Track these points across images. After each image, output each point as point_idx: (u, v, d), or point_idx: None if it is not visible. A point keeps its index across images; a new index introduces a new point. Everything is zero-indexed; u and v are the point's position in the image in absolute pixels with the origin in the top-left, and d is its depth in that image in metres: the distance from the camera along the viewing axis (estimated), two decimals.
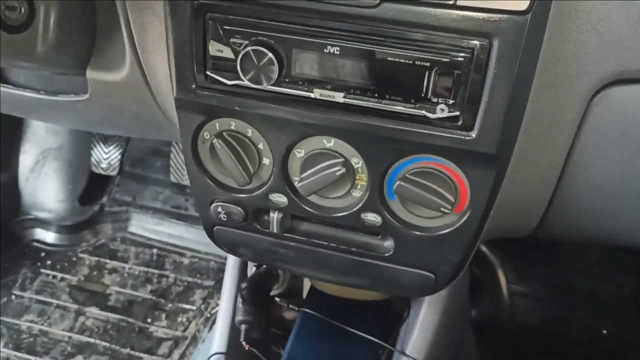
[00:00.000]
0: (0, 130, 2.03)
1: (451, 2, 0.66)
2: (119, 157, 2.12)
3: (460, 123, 0.74)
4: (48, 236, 2.18)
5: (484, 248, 1.88)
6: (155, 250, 2.16)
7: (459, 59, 0.70)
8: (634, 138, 0.77)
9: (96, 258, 2.13)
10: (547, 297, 1.85)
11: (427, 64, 0.71)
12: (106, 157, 2.11)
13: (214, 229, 0.96)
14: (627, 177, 0.82)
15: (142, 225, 2.20)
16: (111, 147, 2.11)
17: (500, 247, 1.88)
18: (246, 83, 0.76)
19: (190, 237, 2.15)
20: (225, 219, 0.92)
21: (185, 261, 2.13)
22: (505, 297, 1.86)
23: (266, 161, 0.85)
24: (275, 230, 0.91)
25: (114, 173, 2.13)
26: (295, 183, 0.85)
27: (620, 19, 0.67)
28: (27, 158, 2.14)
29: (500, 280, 1.87)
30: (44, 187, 2.15)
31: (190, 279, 2.08)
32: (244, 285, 1.25)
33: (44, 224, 2.17)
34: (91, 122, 1.36)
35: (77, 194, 2.18)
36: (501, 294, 1.86)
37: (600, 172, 0.81)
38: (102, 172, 2.13)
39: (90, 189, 2.21)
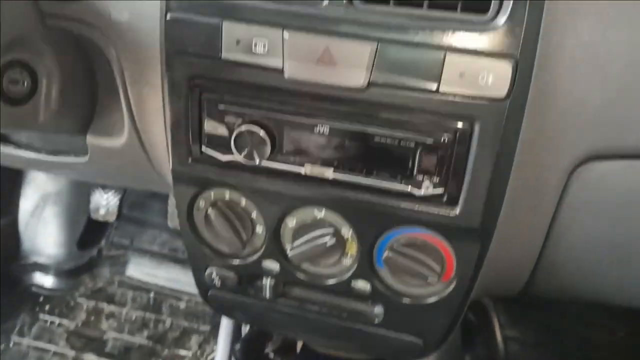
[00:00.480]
0: (0, 176, 2.05)
1: (434, 88, 0.70)
2: (117, 203, 2.13)
3: (445, 199, 0.77)
4: (47, 280, 2.18)
5: None
6: (152, 294, 2.16)
7: (443, 140, 0.73)
8: (613, 210, 0.79)
9: (94, 302, 2.13)
10: (541, 342, 1.86)
11: (412, 144, 0.74)
12: (105, 204, 2.13)
13: (209, 292, 0.99)
14: (610, 245, 0.84)
15: (140, 268, 2.21)
16: (110, 194, 2.12)
17: None
18: (240, 159, 0.79)
19: (187, 280, 2.15)
20: (219, 284, 0.95)
21: (182, 305, 2.14)
22: (499, 342, 1.86)
23: (259, 229, 0.88)
24: (268, 296, 0.93)
25: (112, 219, 2.15)
26: (288, 251, 0.87)
27: (597, 100, 0.70)
28: (27, 202, 2.16)
29: (494, 325, 1.88)
30: (43, 231, 2.16)
31: (186, 324, 2.08)
32: (237, 346, 1.26)
33: (42, 268, 2.18)
34: (90, 178, 1.39)
35: (76, 238, 2.19)
36: (495, 339, 1.86)
37: (583, 240, 0.84)
38: (100, 219, 2.15)
39: (89, 233, 2.22)
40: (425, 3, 0.69)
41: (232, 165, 0.82)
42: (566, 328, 1.85)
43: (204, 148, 0.82)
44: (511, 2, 0.66)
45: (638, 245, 0.83)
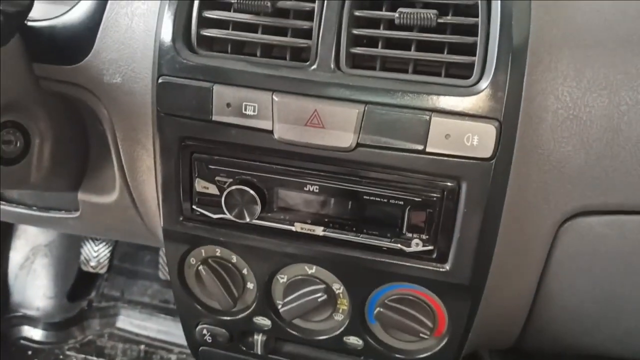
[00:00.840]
0: None
1: (420, 148, 0.71)
2: (108, 255, 2.12)
3: (434, 256, 0.77)
4: (35, 334, 2.14)
5: None
6: (142, 347, 2.13)
7: (431, 198, 0.74)
8: (602, 264, 0.80)
9: (83, 356, 2.10)
10: None
11: (401, 202, 0.75)
12: (95, 256, 2.11)
13: (200, 349, 0.98)
14: (600, 298, 0.85)
15: (130, 320, 2.17)
16: (101, 246, 2.11)
17: None
18: (230, 217, 0.80)
19: (178, 332, 2.12)
20: (210, 341, 0.95)
21: (173, 358, 2.10)
22: None
23: (250, 286, 0.88)
24: (259, 352, 0.93)
25: (103, 271, 2.13)
26: (279, 307, 0.87)
27: (580, 160, 0.72)
28: (16, 255, 2.14)
29: None
30: (32, 284, 2.13)
31: None
32: None
33: (31, 321, 2.14)
34: (81, 232, 1.39)
35: (66, 290, 2.16)
36: None
37: (573, 294, 0.84)
38: (91, 270, 2.13)
39: (80, 284, 2.19)
40: (411, 68, 0.72)
41: (223, 223, 0.83)
42: None
43: (194, 206, 0.83)
44: (493, 67, 0.68)
45: (627, 297, 0.84)
